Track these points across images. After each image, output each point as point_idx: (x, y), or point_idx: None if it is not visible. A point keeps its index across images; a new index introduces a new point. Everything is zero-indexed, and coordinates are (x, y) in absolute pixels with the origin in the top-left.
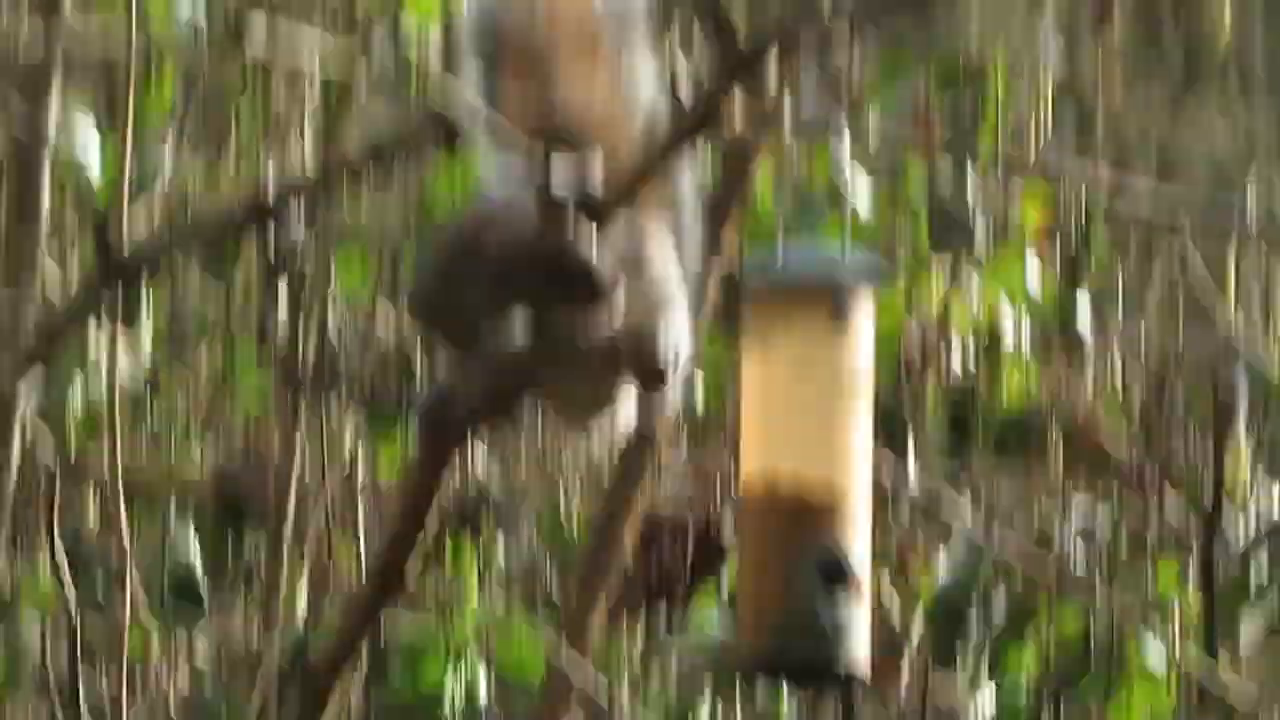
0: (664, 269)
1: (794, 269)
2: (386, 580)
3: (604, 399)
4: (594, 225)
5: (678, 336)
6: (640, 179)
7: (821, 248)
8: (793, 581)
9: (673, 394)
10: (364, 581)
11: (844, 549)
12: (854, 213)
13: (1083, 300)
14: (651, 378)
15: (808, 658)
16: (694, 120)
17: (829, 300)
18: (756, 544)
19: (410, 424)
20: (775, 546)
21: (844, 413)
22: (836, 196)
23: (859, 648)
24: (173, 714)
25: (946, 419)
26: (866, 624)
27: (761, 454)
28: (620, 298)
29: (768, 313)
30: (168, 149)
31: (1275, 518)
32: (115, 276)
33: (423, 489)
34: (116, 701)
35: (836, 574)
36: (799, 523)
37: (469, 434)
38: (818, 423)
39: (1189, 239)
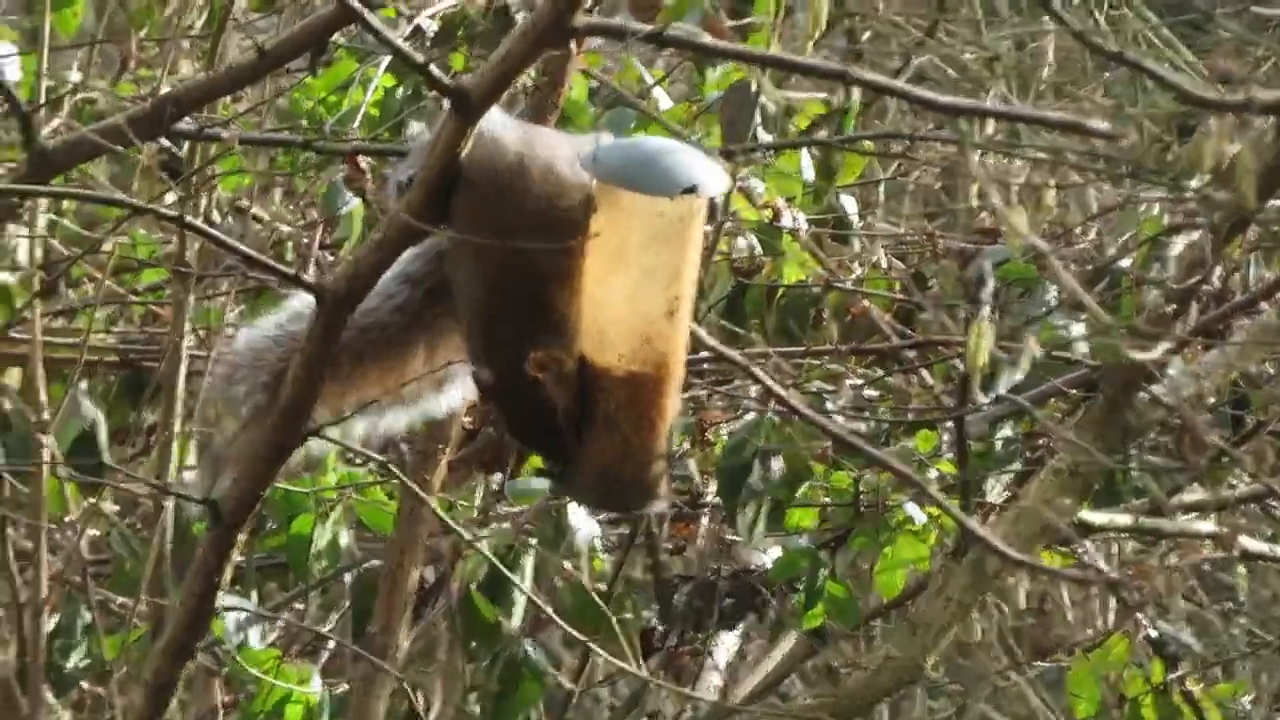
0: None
1: (647, 167)
2: (285, 444)
3: None
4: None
5: None
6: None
7: (672, 148)
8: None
9: None
10: (262, 446)
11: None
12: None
13: (848, 196)
14: None
15: (627, 507)
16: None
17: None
18: (597, 408)
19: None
20: (613, 413)
21: (677, 300)
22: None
23: (662, 502)
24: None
25: (733, 300)
26: (668, 474)
27: (608, 329)
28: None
29: (615, 201)
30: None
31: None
32: (37, 164)
33: (316, 369)
34: (37, 549)
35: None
36: (632, 394)
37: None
38: (655, 307)
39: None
